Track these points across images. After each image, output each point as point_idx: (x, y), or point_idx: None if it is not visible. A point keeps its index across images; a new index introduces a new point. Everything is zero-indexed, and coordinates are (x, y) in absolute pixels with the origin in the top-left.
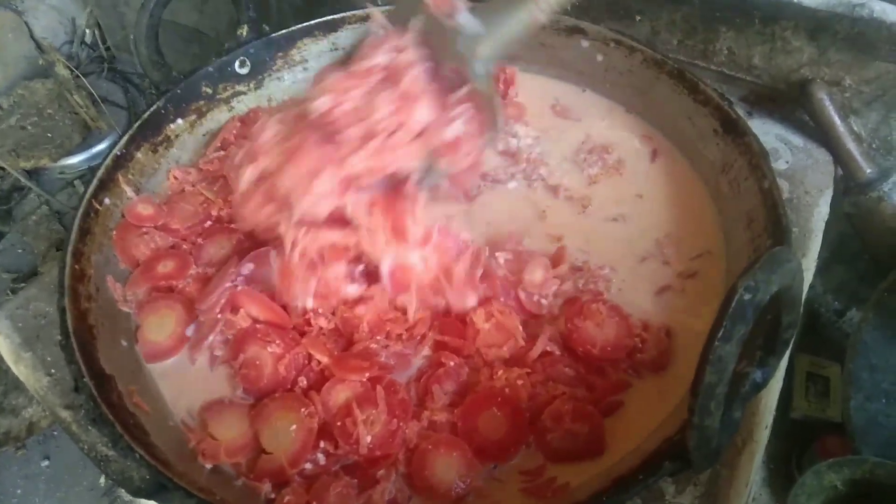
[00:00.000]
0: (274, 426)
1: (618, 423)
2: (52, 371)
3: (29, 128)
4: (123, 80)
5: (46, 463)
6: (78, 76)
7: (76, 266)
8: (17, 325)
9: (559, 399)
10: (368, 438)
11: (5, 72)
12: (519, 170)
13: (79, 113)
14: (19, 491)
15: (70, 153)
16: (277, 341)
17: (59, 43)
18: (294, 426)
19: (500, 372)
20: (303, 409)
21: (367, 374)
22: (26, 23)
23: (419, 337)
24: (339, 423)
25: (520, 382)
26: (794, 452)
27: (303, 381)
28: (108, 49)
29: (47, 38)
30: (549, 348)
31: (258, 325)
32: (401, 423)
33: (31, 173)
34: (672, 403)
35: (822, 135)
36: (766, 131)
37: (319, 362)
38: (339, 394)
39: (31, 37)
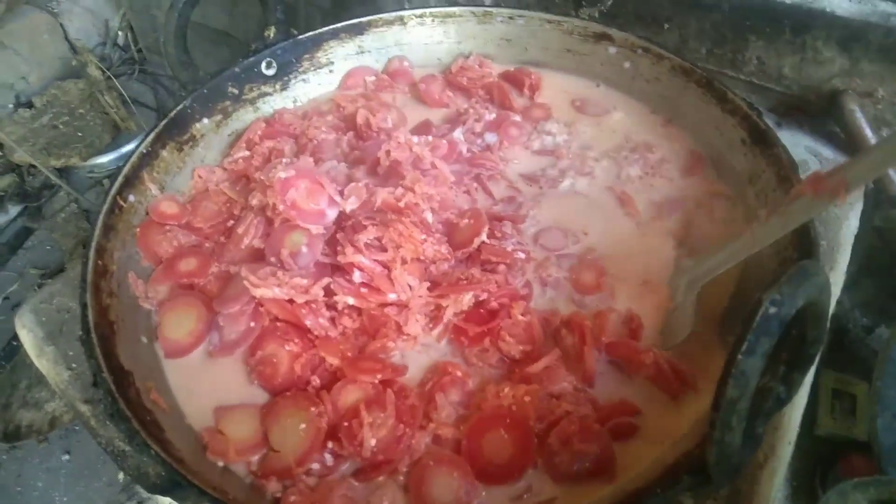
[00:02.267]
0: (283, 424)
1: (630, 449)
2: (73, 365)
3: (60, 127)
4: (154, 82)
5: (67, 457)
6: (109, 77)
7: (99, 262)
8: (41, 320)
9: (566, 419)
10: (373, 442)
11: (40, 72)
12: (568, 166)
13: (109, 113)
14: (40, 484)
15: (100, 153)
16: (296, 340)
17: (93, 44)
18: (303, 425)
19: (507, 389)
20: (313, 409)
21: (378, 376)
22: (61, 24)
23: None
24: (345, 424)
25: (527, 399)
26: (817, 470)
27: (315, 381)
28: (139, 51)
29: (81, 39)
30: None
31: (278, 324)
32: (407, 430)
33: (62, 171)
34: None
35: (852, 147)
36: (796, 143)
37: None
38: (348, 394)
39: (66, 38)
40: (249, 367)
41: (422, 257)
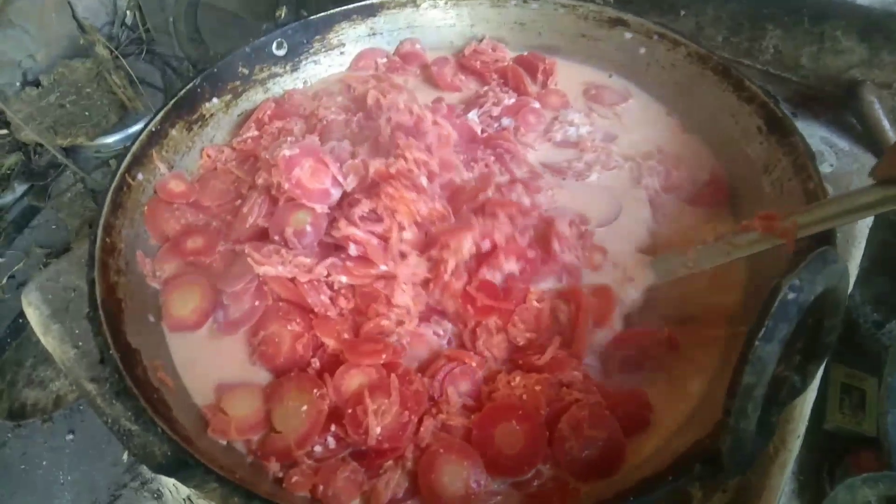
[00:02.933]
0: (286, 405)
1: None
2: (80, 343)
3: (68, 106)
4: (161, 63)
5: (71, 437)
6: (117, 57)
7: (107, 239)
8: (47, 297)
9: (576, 405)
10: (378, 430)
11: (47, 50)
12: (594, 160)
13: (116, 93)
14: (45, 462)
15: (106, 132)
16: (298, 320)
17: (101, 24)
18: (305, 407)
19: (518, 378)
20: (315, 391)
21: (382, 357)
22: (69, 3)
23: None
24: (349, 411)
25: (538, 388)
26: (825, 465)
27: (315, 363)
28: (147, 31)
29: (89, 18)
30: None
31: (280, 304)
32: (412, 416)
33: (68, 151)
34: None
35: (869, 139)
36: (811, 133)
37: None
38: (352, 379)
39: (74, 17)
40: (252, 347)
41: (417, 218)
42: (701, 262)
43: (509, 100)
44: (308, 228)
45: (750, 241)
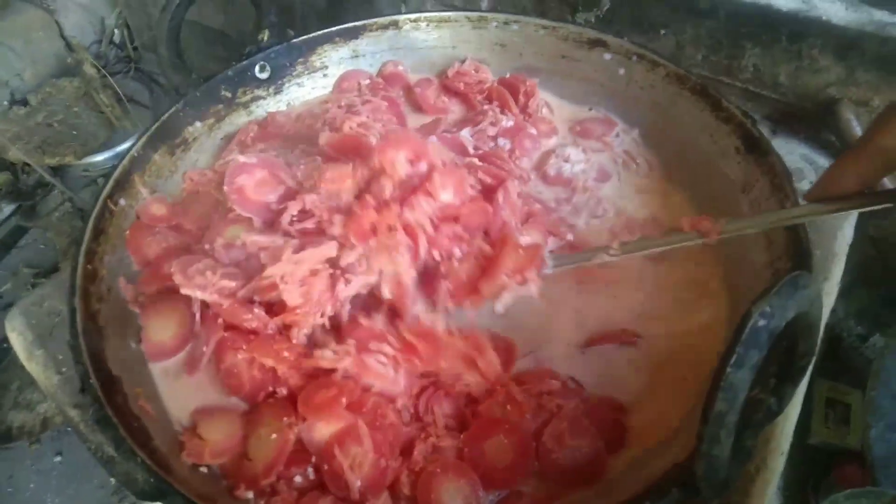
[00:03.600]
0: (259, 433)
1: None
2: (63, 369)
3: (55, 125)
4: (149, 81)
5: (59, 459)
6: (105, 75)
7: (88, 266)
8: (31, 322)
9: (556, 417)
10: (358, 483)
11: (35, 69)
12: (583, 204)
13: (104, 112)
14: (32, 485)
15: (94, 151)
16: (244, 346)
17: (88, 42)
18: (274, 435)
19: (499, 388)
20: (284, 419)
21: (342, 401)
22: (57, 21)
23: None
24: (325, 467)
25: (520, 398)
26: (810, 479)
27: (282, 390)
28: (135, 49)
29: (76, 36)
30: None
31: (226, 334)
32: (389, 462)
33: (56, 170)
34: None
35: None
36: (791, 150)
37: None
38: (320, 431)
39: (61, 35)
40: (219, 379)
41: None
42: (628, 250)
43: (507, 121)
44: (237, 244)
45: (677, 238)
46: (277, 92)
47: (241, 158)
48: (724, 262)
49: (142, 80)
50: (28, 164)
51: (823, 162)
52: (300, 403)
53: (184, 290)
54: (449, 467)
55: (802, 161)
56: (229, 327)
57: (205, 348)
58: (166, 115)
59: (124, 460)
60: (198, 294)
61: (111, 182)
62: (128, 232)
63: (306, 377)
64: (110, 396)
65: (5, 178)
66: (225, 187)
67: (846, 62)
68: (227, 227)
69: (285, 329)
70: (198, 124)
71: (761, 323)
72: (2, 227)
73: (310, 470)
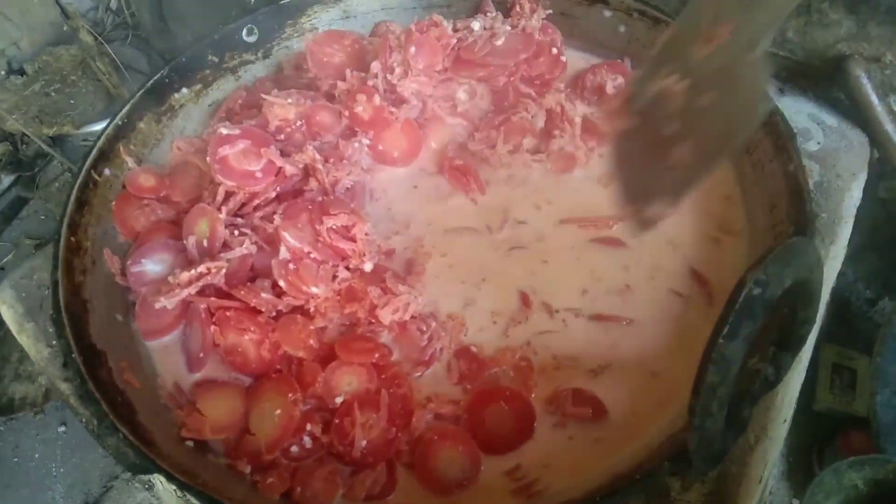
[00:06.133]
0: (262, 408)
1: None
2: (53, 342)
3: (53, 94)
4: (147, 47)
5: (63, 429)
6: (102, 43)
7: (72, 238)
8: (21, 295)
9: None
10: (364, 443)
11: (31, 38)
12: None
13: (102, 80)
14: (37, 455)
15: (93, 120)
16: (252, 328)
17: (85, 9)
18: (279, 411)
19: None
20: (290, 395)
21: (374, 356)
22: None
23: None
24: (337, 421)
25: (523, 364)
26: (815, 446)
27: (293, 366)
28: (132, 15)
29: (73, 3)
30: None
31: (228, 314)
32: (399, 434)
33: (55, 140)
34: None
35: (858, 115)
36: (798, 110)
37: None
38: (342, 377)
39: (57, 2)
40: (220, 357)
41: None
42: None
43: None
44: (205, 243)
45: None
46: (266, 56)
47: (224, 130)
48: None
49: (139, 47)
50: (26, 135)
51: (832, 121)
52: (337, 346)
53: (164, 300)
54: (447, 434)
55: (810, 121)
56: (222, 309)
57: (202, 354)
58: (150, 81)
59: (106, 435)
60: (161, 301)
61: (94, 152)
62: (114, 203)
63: (321, 358)
64: (93, 371)
65: (4, 149)
66: (208, 158)
67: (858, 16)
68: (196, 221)
69: (300, 312)
70: (184, 90)
71: (756, 291)
72: (2, 198)
73: (306, 439)
